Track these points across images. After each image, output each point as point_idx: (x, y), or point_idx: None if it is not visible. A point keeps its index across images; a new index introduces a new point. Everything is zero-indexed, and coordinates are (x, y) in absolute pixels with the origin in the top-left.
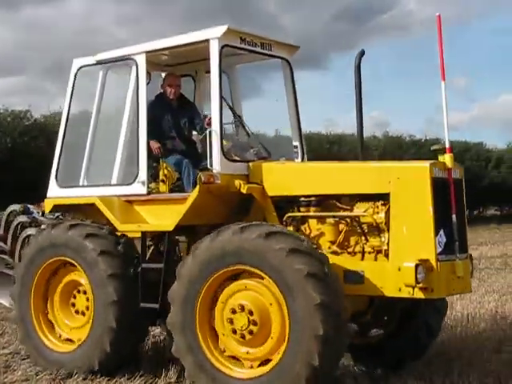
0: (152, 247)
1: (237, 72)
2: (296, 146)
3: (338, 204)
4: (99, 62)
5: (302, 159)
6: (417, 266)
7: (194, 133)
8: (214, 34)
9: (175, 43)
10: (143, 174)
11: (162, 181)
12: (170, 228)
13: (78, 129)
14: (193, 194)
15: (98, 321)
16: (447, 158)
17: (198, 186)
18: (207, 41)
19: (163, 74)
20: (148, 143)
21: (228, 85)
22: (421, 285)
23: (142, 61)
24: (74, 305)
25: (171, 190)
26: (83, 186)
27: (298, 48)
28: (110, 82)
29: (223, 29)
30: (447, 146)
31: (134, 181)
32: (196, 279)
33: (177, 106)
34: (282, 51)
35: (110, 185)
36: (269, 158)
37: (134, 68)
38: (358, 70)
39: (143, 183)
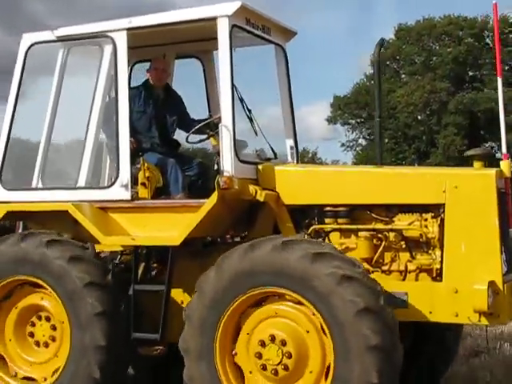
0: (142, 265)
1: (213, 58)
2: (292, 147)
3: (374, 215)
4: (60, 39)
5: (297, 162)
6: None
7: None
8: (223, 10)
9: (169, 20)
10: (125, 175)
11: (143, 184)
12: (177, 242)
13: (28, 121)
14: (210, 202)
15: (75, 363)
16: (504, 166)
17: (215, 192)
18: (214, 19)
19: None
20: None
21: (202, 72)
22: (488, 310)
23: (121, 40)
24: (32, 334)
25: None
26: (38, 189)
27: (295, 34)
28: (72, 64)
29: (235, 5)
30: (504, 150)
31: (113, 184)
32: (220, 298)
33: (162, 98)
34: (279, 36)
35: (77, 188)
36: (274, 159)
37: (108, 48)
38: (377, 63)
39: (126, 187)
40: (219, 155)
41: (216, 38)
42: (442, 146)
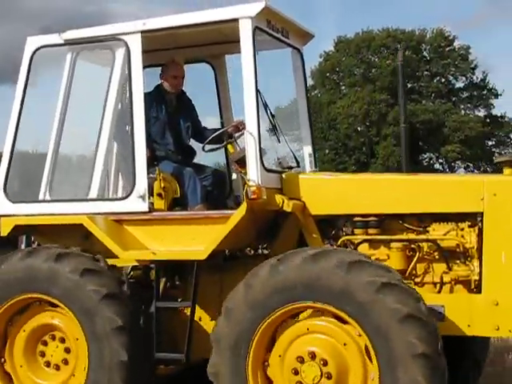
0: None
1: (225, 63)
2: (310, 154)
3: (406, 225)
4: (68, 42)
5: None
6: None
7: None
8: (246, 12)
9: (188, 22)
10: (142, 186)
11: (159, 195)
12: (204, 256)
13: (34, 130)
14: (238, 213)
15: (95, 380)
16: None
17: (244, 203)
18: (235, 20)
19: None
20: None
21: (214, 77)
22: None
23: (135, 43)
24: (43, 354)
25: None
26: (46, 201)
27: (312, 36)
28: (81, 69)
29: (259, 6)
30: None
31: (129, 195)
32: (251, 318)
33: (176, 104)
34: (297, 39)
35: (88, 200)
36: (296, 168)
37: (121, 52)
38: (401, 67)
39: (143, 198)
40: (239, 163)
41: (229, 42)
42: (381, 157)
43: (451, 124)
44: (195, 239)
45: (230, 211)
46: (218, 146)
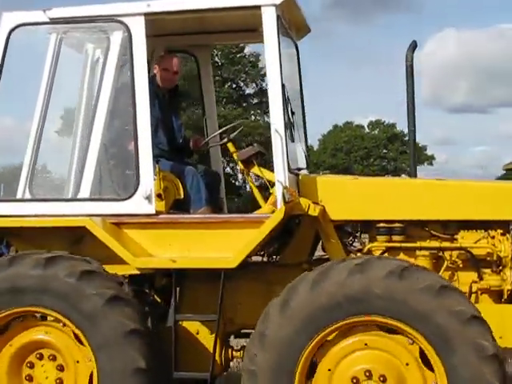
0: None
1: (210, 54)
2: (304, 152)
3: (433, 232)
4: (54, 21)
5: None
6: None
7: None
8: None
9: (204, 6)
10: (148, 185)
11: (159, 196)
12: (234, 264)
13: (13, 120)
14: (275, 217)
15: None
16: None
17: (282, 207)
18: (257, 7)
19: None
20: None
21: (197, 69)
22: None
23: (138, 26)
24: (30, 379)
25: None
26: (27, 201)
27: (309, 31)
28: (67, 52)
29: None
30: None
31: (133, 195)
32: (293, 342)
33: (168, 98)
34: (295, 32)
35: (79, 199)
36: (306, 169)
37: (118, 36)
38: (410, 69)
39: (148, 199)
40: (245, 163)
41: (220, 32)
42: None
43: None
44: (209, 245)
45: (254, 215)
46: (215, 143)
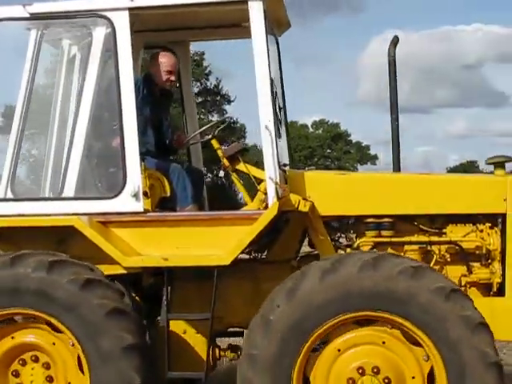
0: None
1: (189, 50)
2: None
3: (421, 226)
4: (35, 17)
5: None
6: None
7: None
8: None
9: (189, 1)
10: (136, 183)
11: (145, 194)
12: (227, 261)
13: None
14: (269, 213)
15: None
16: None
17: (275, 203)
18: (243, 2)
19: None
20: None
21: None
22: None
23: (122, 21)
24: (16, 374)
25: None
26: (8, 200)
27: (289, 26)
28: (48, 49)
29: None
30: None
31: (120, 193)
32: (296, 333)
33: (161, 97)
34: (277, 27)
35: (63, 198)
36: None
37: (101, 31)
38: (393, 62)
39: (136, 197)
40: (230, 160)
41: (200, 28)
42: None
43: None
44: (199, 243)
45: (243, 211)
46: (198, 140)
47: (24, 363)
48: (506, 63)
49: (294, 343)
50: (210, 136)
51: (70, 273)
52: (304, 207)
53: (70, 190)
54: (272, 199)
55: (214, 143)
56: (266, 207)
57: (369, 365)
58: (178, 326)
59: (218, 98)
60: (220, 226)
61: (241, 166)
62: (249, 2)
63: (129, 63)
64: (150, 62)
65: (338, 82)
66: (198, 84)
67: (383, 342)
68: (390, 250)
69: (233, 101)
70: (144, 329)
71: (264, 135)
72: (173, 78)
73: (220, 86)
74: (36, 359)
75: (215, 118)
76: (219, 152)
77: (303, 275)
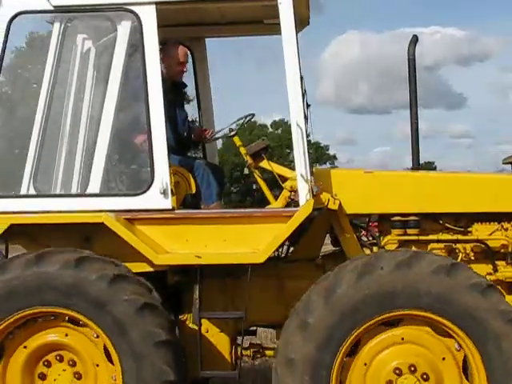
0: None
1: (205, 47)
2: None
3: (447, 225)
4: (59, 10)
5: None
6: None
7: None
8: None
9: None
10: (164, 179)
11: (171, 190)
12: (262, 259)
13: (13, 112)
14: (304, 211)
15: None
16: None
17: (311, 200)
18: None
19: None
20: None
21: (192, 62)
22: None
23: (149, 16)
24: (43, 377)
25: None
26: (31, 196)
27: (308, 24)
28: (71, 41)
29: None
30: None
31: (147, 190)
32: (334, 335)
33: (173, 90)
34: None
35: (90, 195)
36: None
37: (126, 26)
38: (412, 62)
39: (164, 194)
40: (255, 157)
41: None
42: None
43: None
44: (227, 240)
45: (274, 209)
46: (221, 136)
47: (49, 364)
48: (464, 65)
49: (332, 346)
50: (234, 132)
51: (97, 269)
52: (333, 205)
53: (95, 186)
54: (304, 197)
55: (237, 140)
56: (297, 205)
57: (405, 364)
58: (202, 325)
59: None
60: (250, 224)
61: (264, 164)
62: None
63: (156, 58)
64: (160, 54)
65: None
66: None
67: (414, 340)
68: (414, 249)
69: (192, 100)
70: (174, 325)
71: (295, 132)
72: (184, 69)
73: None
74: (61, 358)
75: None
76: (242, 149)
77: (339, 276)
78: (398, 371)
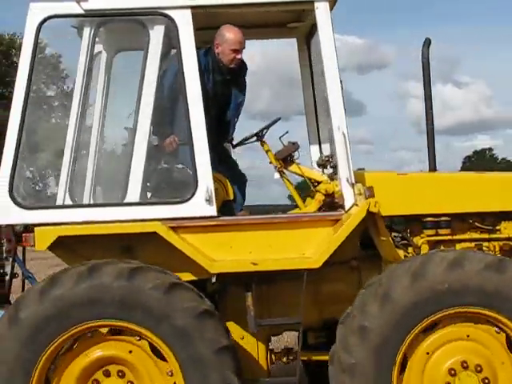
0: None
1: None
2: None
3: (477, 224)
4: (89, 14)
5: None
6: None
7: None
8: None
9: (252, 0)
10: (208, 186)
11: None
12: (318, 264)
13: (45, 117)
14: (358, 214)
15: None
16: None
17: (364, 204)
18: (308, 2)
19: None
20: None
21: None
22: None
23: (185, 20)
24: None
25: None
26: (71, 207)
27: None
28: (101, 46)
29: None
30: None
31: (191, 197)
32: (392, 337)
33: (227, 82)
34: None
35: (131, 204)
36: None
37: (159, 30)
38: (427, 64)
39: (209, 201)
40: (285, 161)
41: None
42: None
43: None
44: (273, 246)
45: (320, 214)
46: (249, 141)
47: (108, 375)
48: (362, 73)
49: (391, 350)
50: (261, 137)
51: (151, 278)
52: (374, 208)
53: (133, 194)
54: (349, 200)
55: (265, 145)
56: (333, 208)
57: (457, 362)
58: (236, 332)
59: None
60: (295, 229)
61: (294, 168)
62: (315, 3)
63: (193, 62)
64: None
65: None
66: (55, 87)
67: (467, 336)
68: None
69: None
70: (227, 330)
71: (337, 137)
72: (239, 56)
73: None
74: (123, 375)
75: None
76: (270, 154)
77: (392, 278)
78: (453, 372)
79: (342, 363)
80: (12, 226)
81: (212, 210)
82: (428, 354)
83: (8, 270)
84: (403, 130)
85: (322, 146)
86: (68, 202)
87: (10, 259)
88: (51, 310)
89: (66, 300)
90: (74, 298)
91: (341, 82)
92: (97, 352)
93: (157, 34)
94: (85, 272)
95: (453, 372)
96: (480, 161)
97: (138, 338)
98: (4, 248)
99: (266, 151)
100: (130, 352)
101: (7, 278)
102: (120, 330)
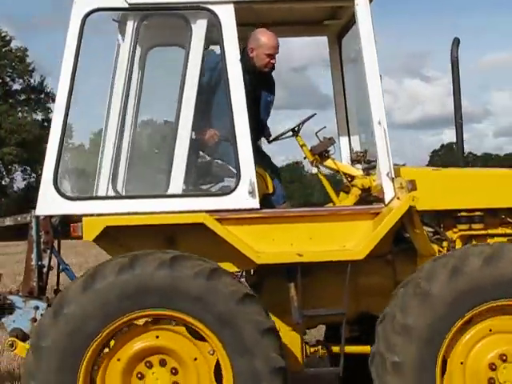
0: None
1: None
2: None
3: (509, 219)
4: (133, 7)
5: None
6: None
7: None
8: None
9: None
10: (251, 178)
11: None
12: (362, 255)
13: (88, 115)
14: (401, 208)
15: None
16: None
17: (407, 197)
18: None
19: None
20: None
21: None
22: None
23: (228, 15)
24: (140, 376)
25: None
26: (115, 198)
27: None
28: (144, 40)
29: None
30: None
31: (235, 189)
32: (435, 333)
33: (257, 82)
34: None
35: (174, 195)
36: None
37: (201, 25)
38: (456, 63)
39: (252, 193)
40: (320, 156)
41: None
42: None
43: (8, 126)
44: (314, 238)
45: (361, 207)
46: (285, 137)
47: (150, 366)
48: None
49: (434, 346)
50: (296, 132)
51: (192, 266)
52: (413, 202)
53: (176, 186)
54: (389, 194)
55: (299, 140)
56: (369, 202)
57: (497, 355)
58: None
59: (43, 95)
60: (336, 222)
61: (329, 163)
62: (355, 0)
63: (236, 58)
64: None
65: None
66: (21, 81)
67: (490, 330)
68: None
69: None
70: (268, 313)
71: (377, 131)
72: (273, 61)
73: (44, 84)
74: (163, 363)
75: (39, 116)
76: (305, 149)
77: (430, 275)
78: (491, 366)
79: (387, 363)
80: (49, 218)
81: (255, 203)
82: (468, 348)
83: (45, 262)
84: None
85: (352, 138)
86: (111, 193)
87: (48, 251)
88: (95, 304)
89: (110, 292)
90: (117, 290)
91: (380, 76)
92: (136, 345)
93: (199, 29)
94: (126, 263)
95: (494, 367)
96: (447, 155)
97: (174, 324)
98: (42, 240)
99: (301, 146)
100: (169, 340)
101: (44, 269)
102: (156, 319)
